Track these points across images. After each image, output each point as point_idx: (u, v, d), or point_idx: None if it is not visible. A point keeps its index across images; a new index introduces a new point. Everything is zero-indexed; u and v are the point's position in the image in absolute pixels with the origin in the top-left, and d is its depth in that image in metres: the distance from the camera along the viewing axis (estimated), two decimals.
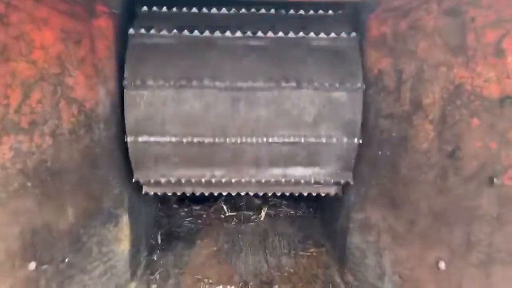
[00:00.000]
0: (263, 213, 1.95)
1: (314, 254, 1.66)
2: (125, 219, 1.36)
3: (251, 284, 1.44)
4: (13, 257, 1.00)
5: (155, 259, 1.60)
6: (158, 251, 1.65)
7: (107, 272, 1.32)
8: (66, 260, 1.15)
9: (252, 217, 1.95)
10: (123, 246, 1.36)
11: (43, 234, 1.07)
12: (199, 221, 1.93)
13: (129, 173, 1.38)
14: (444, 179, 1.06)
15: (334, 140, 1.34)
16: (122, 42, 1.32)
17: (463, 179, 1.01)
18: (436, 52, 1.06)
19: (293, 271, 1.52)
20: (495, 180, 0.94)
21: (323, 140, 1.33)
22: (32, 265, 1.07)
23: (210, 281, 1.46)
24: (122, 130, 1.31)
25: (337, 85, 1.29)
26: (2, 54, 0.92)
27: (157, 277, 1.49)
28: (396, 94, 1.19)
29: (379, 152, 1.28)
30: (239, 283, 1.45)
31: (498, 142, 0.93)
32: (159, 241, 1.70)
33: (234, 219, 1.93)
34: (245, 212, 1.97)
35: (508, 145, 0.91)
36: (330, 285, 1.45)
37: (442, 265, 1.10)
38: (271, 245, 1.71)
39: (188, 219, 1.93)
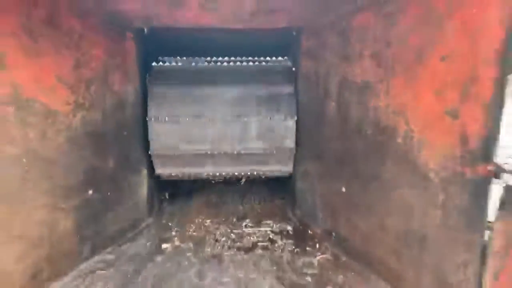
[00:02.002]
0: (242, 180, 2.60)
1: (277, 203, 2.32)
2: (144, 172, 2.04)
3: (230, 218, 2.10)
4: (80, 185, 1.66)
5: (164, 206, 2.27)
6: (166, 203, 2.32)
7: (133, 206, 1.98)
8: (109, 193, 1.82)
9: (235, 184, 2.62)
10: (143, 190, 2.04)
11: (96, 173, 1.73)
12: (195, 184, 2.60)
13: (147, 144, 2.06)
14: (341, 135, 1.71)
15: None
16: (142, 56, 2.01)
17: (350, 134, 1.66)
18: (334, 58, 1.73)
19: (260, 211, 2.19)
20: (366, 131, 1.59)
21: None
22: (90, 191, 1.73)
23: (202, 217, 2.12)
24: (142, 112, 2.00)
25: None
26: (76, 66, 1.59)
27: (167, 215, 2.15)
28: (316, 85, 1.86)
29: (310, 125, 1.95)
30: (222, 219, 2.10)
31: (365, 110, 1.58)
32: (167, 197, 2.37)
33: (221, 184, 2.61)
34: (229, 180, 2.65)
35: (370, 110, 1.56)
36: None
37: (343, 189, 1.75)
38: (247, 199, 2.38)
39: (186, 183, 2.61)
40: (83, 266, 1.66)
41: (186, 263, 1.70)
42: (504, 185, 1.11)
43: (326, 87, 1.79)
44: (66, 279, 1.57)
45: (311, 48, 1.89)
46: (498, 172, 1.12)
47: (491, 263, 1.16)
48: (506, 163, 1.15)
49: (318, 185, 1.93)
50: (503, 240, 1.13)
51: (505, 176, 1.11)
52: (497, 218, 1.14)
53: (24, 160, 1.41)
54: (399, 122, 1.41)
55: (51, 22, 1.45)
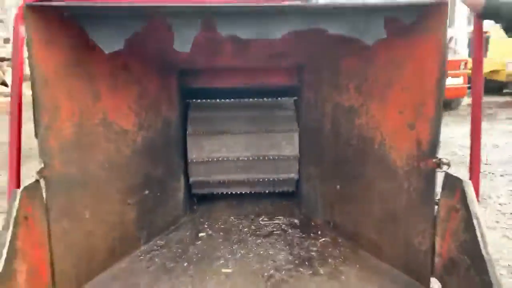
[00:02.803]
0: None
1: (285, 203, 2.86)
2: (182, 179, 2.58)
3: (249, 216, 2.63)
4: (140, 186, 2.20)
5: (195, 208, 2.81)
6: (196, 205, 2.85)
7: (174, 206, 2.52)
8: (158, 194, 2.35)
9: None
10: (181, 193, 2.58)
11: (150, 178, 2.27)
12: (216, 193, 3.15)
13: (186, 157, 2.63)
14: (335, 146, 2.27)
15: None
16: (182, 90, 2.59)
17: (341, 145, 2.22)
18: (329, 89, 2.30)
19: (272, 210, 2.72)
20: (353, 142, 2.14)
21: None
22: (146, 191, 2.26)
23: (226, 215, 2.65)
24: (183, 132, 2.57)
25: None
26: (139, 97, 2.15)
27: (199, 214, 2.69)
28: (315, 108, 2.43)
29: (310, 137, 2.51)
30: (243, 216, 2.63)
31: (351, 126, 2.14)
32: (195, 201, 2.91)
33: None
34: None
35: (355, 126, 2.11)
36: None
37: (338, 187, 2.29)
38: (261, 201, 2.92)
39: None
40: (143, 248, 2.19)
41: (220, 245, 2.23)
42: (444, 172, 1.66)
43: (322, 110, 2.37)
44: (132, 256, 2.10)
45: (311, 81, 2.47)
46: (440, 164, 1.67)
47: (439, 228, 1.70)
48: (444, 158, 1.69)
49: (318, 185, 2.48)
50: (445, 211, 1.67)
51: (444, 166, 1.67)
52: (441, 196, 1.68)
53: (106, 165, 1.95)
54: (375, 134, 1.97)
55: (125, 67, 2.02)
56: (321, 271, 1.94)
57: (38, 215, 1.57)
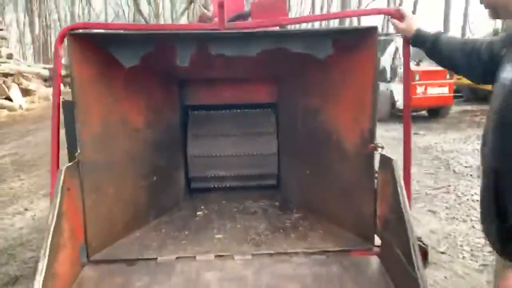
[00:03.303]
0: None
1: (268, 191, 3.40)
2: (182, 171, 3.14)
3: (239, 200, 3.17)
4: (149, 173, 2.74)
5: (193, 195, 3.35)
6: (194, 194, 3.40)
7: (176, 192, 3.06)
8: (163, 181, 2.90)
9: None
10: (181, 183, 3.13)
11: (157, 167, 2.81)
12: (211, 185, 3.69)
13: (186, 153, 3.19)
14: (305, 140, 2.82)
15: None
16: (182, 97, 3.15)
17: (310, 139, 2.77)
18: (300, 96, 2.86)
19: (257, 196, 3.26)
20: (317, 135, 2.69)
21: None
22: (154, 178, 2.80)
23: (219, 201, 3.19)
24: (185, 131, 3.13)
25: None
26: (148, 102, 2.71)
27: (196, 200, 3.23)
28: (289, 110, 2.99)
29: (287, 135, 3.07)
30: (233, 201, 3.18)
31: (316, 123, 2.69)
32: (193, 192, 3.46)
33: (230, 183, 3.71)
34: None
35: (319, 123, 2.66)
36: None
37: (307, 172, 2.83)
38: (247, 191, 3.46)
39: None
40: (152, 223, 2.73)
41: (214, 220, 2.77)
42: (379, 154, 2.22)
43: (295, 113, 2.93)
44: (144, 228, 2.64)
45: (286, 89, 3.04)
46: (376, 148, 2.22)
47: (378, 196, 2.24)
48: (379, 143, 2.23)
49: (293, 173, 3.03)
50: (381, 183, 2.21)
51: (379, 149, 2.22)
52: (378, 172, 2.23)
53: (124, 155, 2.50)
54: (333, 128, 2.52)
55: (137, 78, 2.58)
56: (292, 236, 2.49)
57: (76, 189, 2.11)
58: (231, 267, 2.16)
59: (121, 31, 2.12)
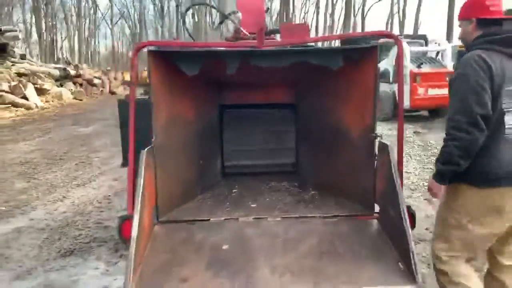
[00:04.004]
0: None
1: (289, 176, 4.12)
2: (219, 158, 3.86)
3: (264, 181, 3.88)
4: (197, 157, 3.45)
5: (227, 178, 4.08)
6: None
7: (215, 174, 3.78)
8: (206, 164, 3.61)
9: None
10: (219, 167, 3.85)
11: (201, 153, 3.53)
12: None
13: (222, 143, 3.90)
14: (319, 132, 3.53)
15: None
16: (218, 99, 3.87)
17: (324, 132, 3.48)
18: (315, 97, 3.57)
19: (280, 179, 3.98)
20: (330, 129, 3.40)
21: None
22: (201, 161, 3.51)
23: (248, 182, 3.90)
24: (221, 126, 3.85)
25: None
26: (195, 102, 3.42)
27: (230, 181, 3.95)
28: (307, 110, 3.70)
29: (305, 129, 3.79)
30: (259, 182, 3.88)
31: (329, 120, 3.40)
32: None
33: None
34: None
35: (331, 120, 3.37)
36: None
37: (321, 158, 3.54)
38: (272, 176, 4.17)
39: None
40: (199, 196, 3.44)
41: (247, 195, 3.48)
42: (378, 141, 2.93)
43: (311, 111, 3.64)
44: (192, 201, 3.35)
45: (304, 93, 3.76)
46: (376, 136, 2.93)
47: (377, 174, 2.94)
48: (378, 132, 2.94)
49: (309, 160, 3.74)
50: (379, 163, 2.90)
51: (378, 138, 2.93)
52: (377, 154, 2.94)
53: (180, 141, 3.22)
54: (343, 123, 3.23)
55: (190, 82, 3.30)
56: (310, 205, 3.20)
57: (151, 165, 2.83)
58: (266, 225, 2.88)
59: (186, 49, 2.84)
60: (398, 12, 51.90)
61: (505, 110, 2.30)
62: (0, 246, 4.96)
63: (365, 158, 3.01)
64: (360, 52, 2.87)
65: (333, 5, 51.91)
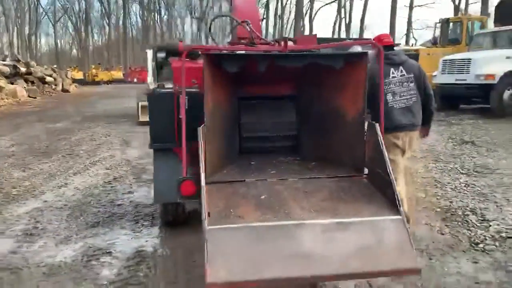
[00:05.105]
0: None
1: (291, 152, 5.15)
2: (237, 135, 4.82)
3: (272, 155, 4.88)
4: (226, 135, 4.39)
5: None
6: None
7: (235, 147, 4.72)
8: (230, 139, 4.55)
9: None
10: (237, 142, 4.81)
11: (227, 131, 4.46)
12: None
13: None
14: (320, 116, 4.58)
15: None
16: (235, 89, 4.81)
17: (324, 117, 4.53)
18: (315, 89, 4.62)
19: (285, 152, 4.99)
20: (331, 115, 4.44)
21: None
22: (225, 141, 4.45)
23: (259, 156, 4.89)
24: (239, 113, 4.80)
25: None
26: (225, 92, 4.36)
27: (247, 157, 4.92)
28: (309, 98, 4.74)
29: (305, 113, 4.82)
30: (268, 155, 4.87)
31: (330, 106, 4.44)
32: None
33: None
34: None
35: (333, 105, 4.42)
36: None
37: (321, 136, 4.58)
38: (279, 151, 5.18)
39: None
40: (228, 167, 4.38)
41: (265, 165, 4.47)
42: (367, 121, 4.01)
43: (312, 100, 4.68)
44: (227, 168, 4.29)
45: (307, 84, 4.80)
46: (366, 117, 4.01)
47: (366, 145, 4.02)
48: (368, 114, 4.02)
49: (309, 139, 4.77)
50: (368, 137, 4.00)
51: (367, 117, 4.01)
52: (367, 130, 4.02)
53: (217, 123, 4.15)
54: (340, 109, 4.28)
55: (224, 78, 4.23)
56: (316, 170, 4.23)
57: (204, 138, 3.75)
58: (288, 183, 3.88)
59: (229, 52, 3.81)
60: (345, 16, 54.46)
61: (385, 92, 4.35)
62: (30, 221, 5.64)
63: (357, 134, 4.06)
64: (356, 56, 3.95)
65: (283, 7, 53.62)
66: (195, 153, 4.40)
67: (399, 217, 3.27)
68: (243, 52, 3.86)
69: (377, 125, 3.72)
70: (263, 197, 3.59)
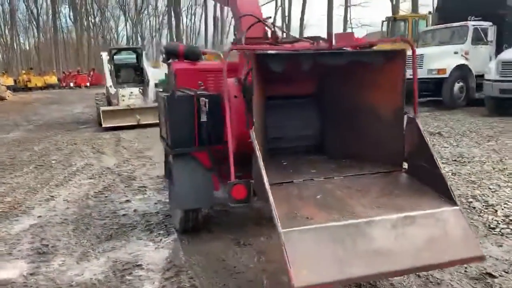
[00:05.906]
0: None
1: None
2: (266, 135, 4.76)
3: (299, 152, 4.86)
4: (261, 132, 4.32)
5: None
6: None
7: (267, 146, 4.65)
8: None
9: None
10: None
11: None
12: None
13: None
14: (349, 113, 4.62)
15: None
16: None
17: (355, 112, 4.57)
18: (345, 87, 4.66)
19: (312, 150, 4.99)
20: (362, 112, 4.50)
21: None
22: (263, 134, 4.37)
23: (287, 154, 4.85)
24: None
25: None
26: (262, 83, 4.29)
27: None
28: (338, 95, 4.77)
29: (331, 111, 4.85)
30: (295, 153, 4.85)
31: (361, 103, 4.50)
32: None
33: None
34: None
35: (364, 102, 4.47)
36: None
37: (352, 135, 4.63)
38: (305, 148, 5.16)
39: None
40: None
41: (300, 166, 4.44)
42: (406, 116, 4.09)
43: (339, 96, 4.70)
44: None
45: (329, 85, 4.82)
46: (405, 113, 4.09)
47: (406, 139, 4.10)
48: (407, 110, 4.11)
49: (337, 136, 4.79)
50: (408, 131, 4.05)
51: (406, 114, 4.10)
52: (406, 125, 4.09)
53: (260, 127, 4.07)
54: (377, 106, 4.32)
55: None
56: (355, 167, 4.26)
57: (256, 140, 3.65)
58: (336, 182, 3.85)
59: (274, 53, 3.75)
60: (284, 13, 55.40)
61: None
62: (34, 239, 5.22)
63: (396, 129, 4.11)
64: (395, 53, 4.02)
65: (222, 6, 53.48)
66: (220, 156, 4.29)
67: (457, 207, 3.36)
68: (290, 51, 3.78)
69: (418, 119, 3.77)
70: (318, 197, 3.57)
